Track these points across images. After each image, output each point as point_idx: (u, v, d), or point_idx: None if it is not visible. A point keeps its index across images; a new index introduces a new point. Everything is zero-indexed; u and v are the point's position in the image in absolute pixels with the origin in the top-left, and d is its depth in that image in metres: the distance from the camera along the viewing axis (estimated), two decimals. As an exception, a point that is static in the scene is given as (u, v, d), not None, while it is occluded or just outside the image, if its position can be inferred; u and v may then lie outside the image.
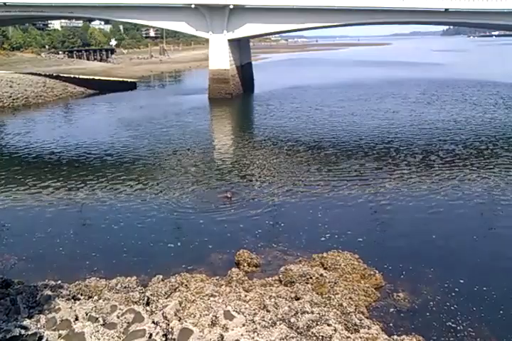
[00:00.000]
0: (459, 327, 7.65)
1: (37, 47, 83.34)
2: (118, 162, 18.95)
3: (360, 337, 6.47)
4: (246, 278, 8.84)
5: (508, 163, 17.62)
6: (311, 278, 8.50)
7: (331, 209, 13.14)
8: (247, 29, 38.24)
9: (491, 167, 17.09)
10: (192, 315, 6.68)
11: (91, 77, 45.18)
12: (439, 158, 18.33)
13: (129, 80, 47.05)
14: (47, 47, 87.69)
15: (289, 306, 7.12)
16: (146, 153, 20.22)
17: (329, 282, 8.39)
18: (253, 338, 6.02)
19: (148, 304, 7.41)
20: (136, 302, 7.30)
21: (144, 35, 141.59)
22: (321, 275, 8.56)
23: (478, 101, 33.07)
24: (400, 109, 30.51)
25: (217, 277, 8.94)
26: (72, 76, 44.41)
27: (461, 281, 9.06)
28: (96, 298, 7.68)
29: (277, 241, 11.00)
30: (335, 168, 17.39)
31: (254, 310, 6.94)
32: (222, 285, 8.47)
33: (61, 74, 44.46)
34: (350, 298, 7.96)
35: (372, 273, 9.09)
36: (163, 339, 5.97)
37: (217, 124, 29.83)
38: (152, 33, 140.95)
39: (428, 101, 33.50)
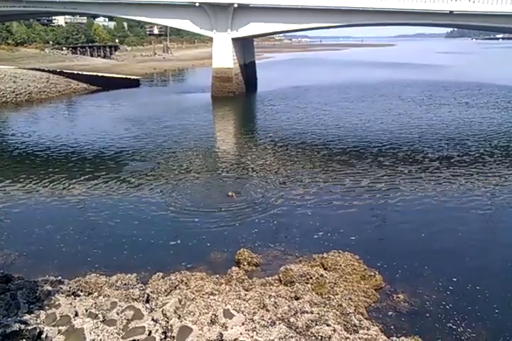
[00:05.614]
0: (458, 329, 7.65)
1: (41, 43, 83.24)
2: (119, 159, 18.96)
3: (359, 338, 6.47)
4: (246, 277, 8.84)
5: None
6: (311, 278, 8.50)
7: (333, 210, 13.13)
8: (251, 28, 38.22)
9: (494, 171, 17.02)
10: (191, 313, 6.68)
11: (94, 74, 45.17)
12: (442, 162, 18.27)
13: (133, 77, 47.10)
14: (51, 43, 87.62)
15: (288, 306, 7.12)
16: (148, 150, 20.23)
17: (329, 282, 8.38)
18: (252, 337, 6.02)
19: (148, 301, 7.40)
20: (136, 300, 7.29)
21: (148, 33, 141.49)
22: (321, 275, 8.56)
23: (484, 105, 32.90)
24: (403, 111, 30.39)
25: (217, 275, 8.94)
26: (75, 72, 44.43)
27: (461, 283, 9.05)
28: (96, 294, 7.68)
29: (278, 240, 11.00)
30: (337, 169, 17.37)
31: (253, 309, 6.94)
32: (222, 283, 8.48)
33: (64, 70, 44.51)
34: (349, 298, 7.96)
35: (372, 274, 9.08)
36: (163, 336, 5.96)
37: (220, 123, 29.81)
38: (156, 31, 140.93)
39: (433, 104, 33.36)
